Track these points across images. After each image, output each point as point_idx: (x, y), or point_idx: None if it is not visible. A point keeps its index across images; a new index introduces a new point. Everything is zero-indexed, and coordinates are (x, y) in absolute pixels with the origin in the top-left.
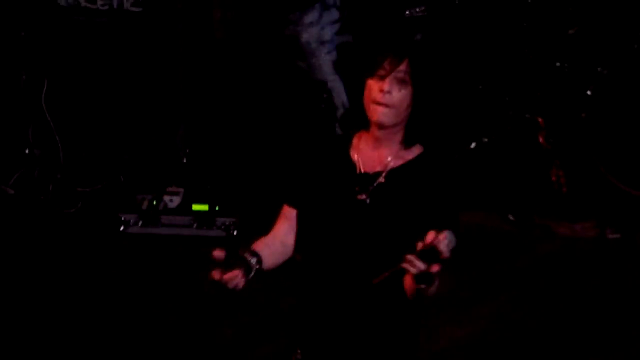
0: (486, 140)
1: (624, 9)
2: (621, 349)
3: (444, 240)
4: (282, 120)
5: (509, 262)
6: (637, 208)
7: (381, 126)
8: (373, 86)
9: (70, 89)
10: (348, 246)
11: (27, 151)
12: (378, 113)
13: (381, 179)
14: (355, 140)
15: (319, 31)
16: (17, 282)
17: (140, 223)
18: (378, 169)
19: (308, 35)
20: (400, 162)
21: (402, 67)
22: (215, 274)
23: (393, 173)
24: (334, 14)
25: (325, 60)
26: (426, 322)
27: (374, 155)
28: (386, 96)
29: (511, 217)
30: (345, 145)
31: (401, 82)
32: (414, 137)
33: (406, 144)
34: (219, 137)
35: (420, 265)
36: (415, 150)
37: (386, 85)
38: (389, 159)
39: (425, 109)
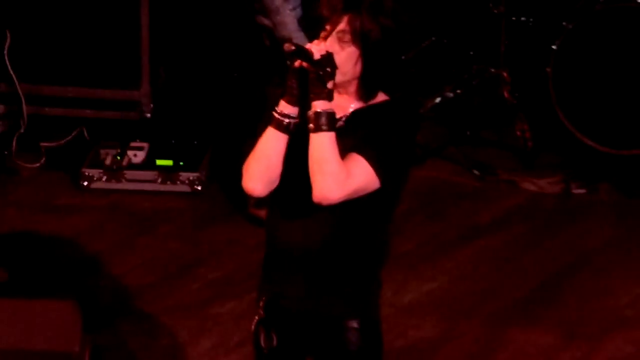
0: (451, 95)
1: None
2: (584, 301)
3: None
4: (247, 75)
5: (475, 217)
6: (602, 163)
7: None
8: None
9: (34, 42)
10: (308, 192)
11: None
12: None
13: (340, 123)
14: None
15: None
16: None
17: (104, 178)
18: (341, 113)
19: None
20: (361, 106)
21: (341, 26)
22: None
23: (353, 117)
24: None
25: (289, 17)
26: (393, 276)
27: (339, 101)
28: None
29: (476, 172)
30: None
31: (342, 41)
32: (369, 91)
33: (362, 98)
34: (184, 92)
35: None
36: (380, 98)
37: (327, 44)
38: (352, 105)
39: (378, 64)
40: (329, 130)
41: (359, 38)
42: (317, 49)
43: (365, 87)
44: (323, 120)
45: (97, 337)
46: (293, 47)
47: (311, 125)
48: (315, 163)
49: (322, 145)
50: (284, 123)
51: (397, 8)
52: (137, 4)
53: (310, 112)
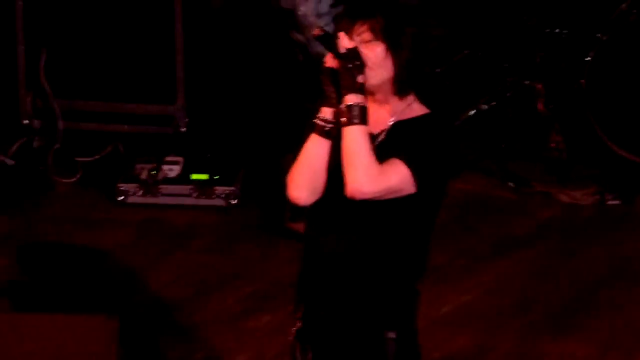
0: (486, 107)
1: None
2: (619, 313)
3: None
4: (282, 91)
5: (510, 229)
6: (636, 174)
7: (368, 89)
8: None
9: (69, 58)
10: (347, 205)
11: (26, 122)
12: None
13: (382, 137)
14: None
15: (316, 4)
16: (17, 253)
17: (139, 193)
18: (381, 128)
19: (305, 9)
20: (402, 119)
21: (361, 27)
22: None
23: (394, 130)
24: None
25: None
26: (428, 289)
27: (378, 116)
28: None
29: (511, 184)
30: None
31: (365, 42)
32: (403, 87)
33: (400, 93)
34: (219, 106)
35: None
36: (420, 111)
37: None
38: (392, 119)
39: (406, 56)
40: (360, 123)
41: (379, 32)
42: (342, 42)
43: (399, 83)
44: (355, 112)
45: (133, 352)
46: (322, 32)
47: (343, 119)
48: (348, 156)
49: (354, 138)
50: (326, 128)
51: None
52: (172, 19)
53: (342, 106)
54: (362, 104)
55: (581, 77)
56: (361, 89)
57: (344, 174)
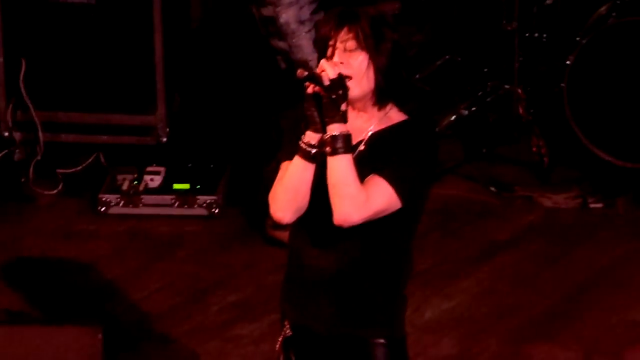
0: (466, 112)
1: None
2: (603, 317)
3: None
4: (263, 99)
5: (492, 234)
6: (618, 177)
7: (350, 100)
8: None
9: (49, 69)
10: (331, 219)
11: (6, 134)
12: None
13: (361, 147)
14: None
15: (297, 11)
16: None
17: (121, 203)
18: (360, 138)
19: (287, 16)
20: (380, 128)
21: (345, 35)
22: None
23: (373, 139)
24: None
25: (305, 40)
26: (411, 294)
27: (357, 125)
28: (340, 68)
29: (493, 189)
30: None
31: (348, 51)
32: (383, 96)
33: (379, 103)
34: (199, 116)
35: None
36: (398, 118)
37: (336, 58)
38: (371, 128)
39: (388, 65)
40: (345, 152)
41: (362, 41)
42: (326, 74)
43: (378, 91)
44: (339, 143)
45: None
46: (306, 73)
47: (328, 148)
48: (334, 186)
49: (340, 168)
50: (312, 153)
51: (399, 19)
52: (151, 29)
53: (326, 136)
54: (346, 133)
55: (561, 81)
56: (344, 117)
57: (331, 202)
